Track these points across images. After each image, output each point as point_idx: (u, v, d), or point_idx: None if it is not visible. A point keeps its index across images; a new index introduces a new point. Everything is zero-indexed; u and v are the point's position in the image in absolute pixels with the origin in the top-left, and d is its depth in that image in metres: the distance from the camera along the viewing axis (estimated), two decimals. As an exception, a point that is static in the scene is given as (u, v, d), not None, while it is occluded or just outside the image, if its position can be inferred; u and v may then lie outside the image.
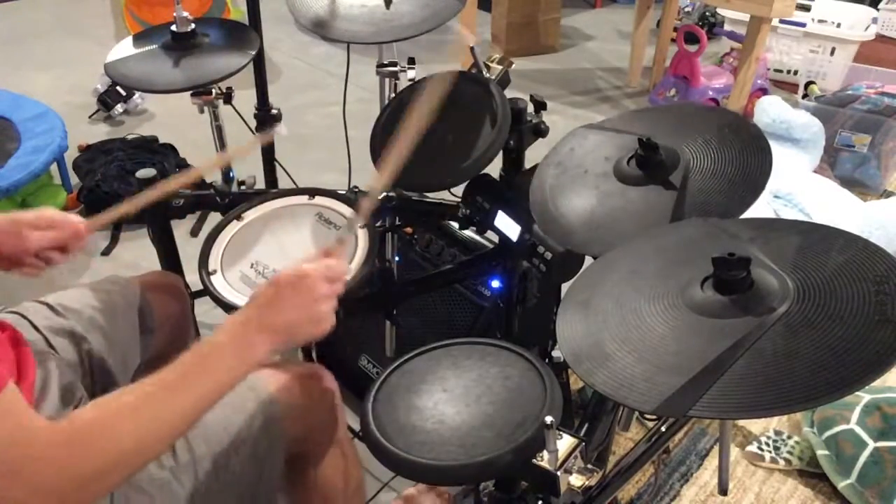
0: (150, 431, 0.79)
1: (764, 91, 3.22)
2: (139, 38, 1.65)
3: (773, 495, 1.63)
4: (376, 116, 1.44)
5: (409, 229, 1.74)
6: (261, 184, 2.04)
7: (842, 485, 1.58)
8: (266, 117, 1.93)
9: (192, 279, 1.34)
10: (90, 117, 3.16)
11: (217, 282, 1.22)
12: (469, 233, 1.68)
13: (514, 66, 1.40)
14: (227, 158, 1.73)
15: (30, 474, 0.71)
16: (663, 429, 1.20)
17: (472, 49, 1.39)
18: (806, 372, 0.73)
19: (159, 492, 0.95)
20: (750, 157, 1.09)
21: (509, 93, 1.34)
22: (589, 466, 0.96)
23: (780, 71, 3.53)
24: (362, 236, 1.25)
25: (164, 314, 1.30)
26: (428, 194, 1.59)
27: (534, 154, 1.34)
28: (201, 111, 1.73)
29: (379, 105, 1.70)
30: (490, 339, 1.08)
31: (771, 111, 2.64)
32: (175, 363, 0.83)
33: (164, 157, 2.69)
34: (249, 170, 1.90)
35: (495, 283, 1.55)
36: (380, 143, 1.39)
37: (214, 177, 1.86)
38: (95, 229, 1.19)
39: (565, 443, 0.94)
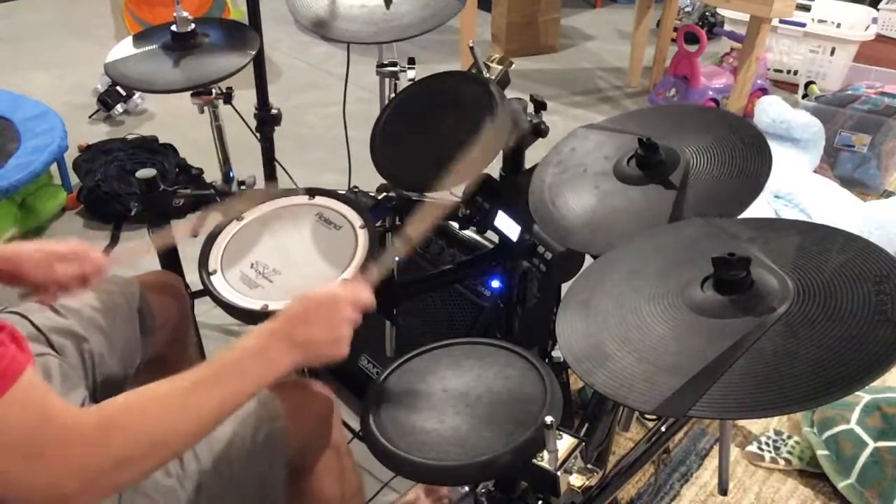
0: (178, 424, 0.80)
1: (764, 91, 3.22)
2: (139, 38, 1.65)
3: (773, 495, 1.63)
4: (376, 116, 1.44)
5: (409, 229, 1.74)
6: (261, 184, 2.04)
7: (842, 485, 1.58)
8: (266, 117, 1.93)
9: (192, 279, 1.33)
10: (90, 117, 3.15)
11: (217, 282, 1.22)
12: (469, 233, 1.68)
13: (514, 66, 1.40)
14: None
15: (55, 457, 0.71)
16: (663, 429, 1.20)
17: (472, 49, 1.39)
18: (806, 372, 0.73)
19: (164, 499, 0.95)
20: (750, 157, 1.09)
21: (509, 93, 1.34)
22: (589, 466, 0.96)
23: (780, 71, 3.53)
24: (362, 236, 1.25)
25: (164, 314, 1.30)
26: (428, 194, 1.58)
27: (534, 154, 1.34)
28: (201, 111, 1.73)
29: (379, 105, 1.70)
30: (490, 339, 1.08)
31: (771, 111, 2.64)
32: (208, 362, 0.85)
33: (164, 157, 2.69)
34: (249, 170, 1.90)
35: (495, 283, 1.55)
36: (380, 143, 1.39)
37: (214, 177, 1.86)
38: (115, 265, 1.18)
39: (565, 443, 0.94)
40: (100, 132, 3.05)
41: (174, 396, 0.81)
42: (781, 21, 3.26)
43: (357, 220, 1.29)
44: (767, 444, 1.70)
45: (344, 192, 1.39)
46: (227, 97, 1.73)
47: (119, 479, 0.77)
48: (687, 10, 3.98)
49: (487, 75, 1.37)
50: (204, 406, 0.82)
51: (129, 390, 0.81)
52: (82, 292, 1.13)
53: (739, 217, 1.02)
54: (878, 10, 3.67)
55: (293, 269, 1.23)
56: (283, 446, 1.06)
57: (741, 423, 1.76)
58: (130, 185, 2.47)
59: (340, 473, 1.20)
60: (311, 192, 1.36)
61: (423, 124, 1.39)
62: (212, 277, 1.23)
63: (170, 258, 1.61)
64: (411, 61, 1.69)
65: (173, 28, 1.59)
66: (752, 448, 1.70)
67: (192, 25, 1.60)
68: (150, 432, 0.77)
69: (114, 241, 2.42)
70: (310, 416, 1.12)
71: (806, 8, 3.39)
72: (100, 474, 0.74)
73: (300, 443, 1.10)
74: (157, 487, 0.95)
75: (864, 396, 1.65)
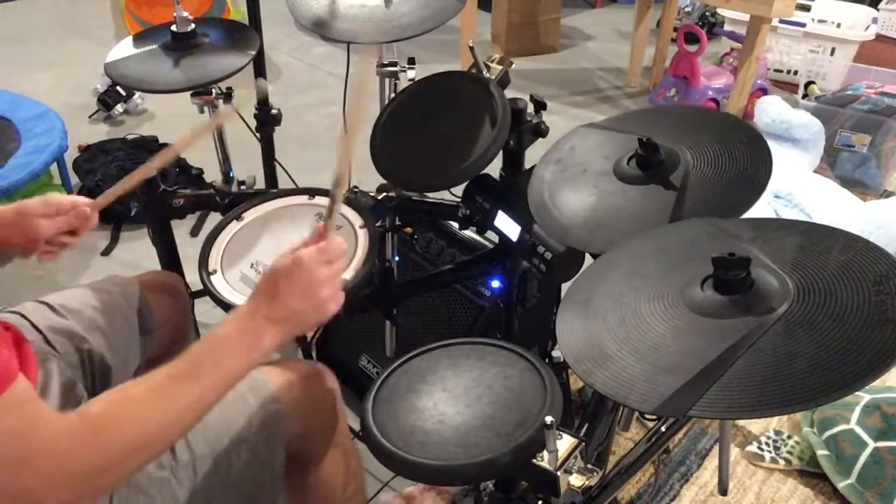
0: (158, 422, 0.79)
1: (764, 91, 3.22)
2: (139, 38, 1.65)
3: (773, 495, 1.63)
4: (376, 116, 1.44)
5: (409, 229, 1.75)
6: (261, 184, 2.04)
7: (842, 485, 1.58)
8: (266, 117, 1.93)
9: (192, 279, 1.34)
10: (90, 117, 3.16)
11: (217, 282, 1.22)
12: (469, 233, 1.68)
13: (514, 66, 1.40)
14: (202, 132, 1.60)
15: (40, 466, 0.71)
16: (663, 429, 1.20)
17: (472, 49, 1.39)
18: (806, 372, 0.73)
19: (158, 491, 0.95)
20: (750, 157, 1.09)
21: (509, 93, 1.34)
22: (589, 466, 0.96)
23: (780, 71, 3.53)
24: (362, 236, 1.25)
25: (164, 314, 1.30)
26: (428, 194, 1.59)
27: (534, 154, 1.34)
28: (201, 111, 1.73)
29: (379, 105, 1.70)
30: (490, 339, 1.08)
31: (771, 111, 2.64)
32: (183, 355, 0.83)
33: (164, 157, 2.69)
34: (249, 170, 1.90)
35: (495, 283, 1.55)
36: (380, 143, 1.39)
37: (214, 177, 1.86)
38: (101, 208, 1.20)
39: (565, 443, 0.94)
40: (100, 132, 3.05)
41: (152, 394, 0.80)
42: (781, 21, 3.26)
43: (357, 220, 1.29)
44: (767, 444, 1.70)
45: (344, 192, 1.39)
46: (227, 97, 1.73)
47: (104, 482, 0.77)
48: (687, 10, 3.99)
49: (487, 75, 1.37)
50: (183, 400, 0.81)
51: (108, 391, 0.80)
52: (75, 242, 1.15)
53: (739, 217, 1.02)
54: (878, 10, 3.67)
55: None
56: (281, 430, 1.06)
57: (741, 423, 1.76)
58: (130, 186, 2.47)
59: (345, 466, 1.20)
60: (311, 192, 1.37)
61: (423, 124, 1.39)
62: (212, 277, 1.23)
63: (170, 258, 1.61)
64: (411, 61, 1.68)
65: (173, 28, 1.59)
66: (752, 448, 1.70)
67: (192, 25, 1.60)
68: (131, 433, 0.77)
69: (114, 241, 2.42)
70: (308, 397, 1.10)
71: (806, 8, 3.39)
72: (84, 480, 0.74)
73: (300, 426, 1.09)
74: (150, 480, 0.94)
75: (864, 396, 1.65)
